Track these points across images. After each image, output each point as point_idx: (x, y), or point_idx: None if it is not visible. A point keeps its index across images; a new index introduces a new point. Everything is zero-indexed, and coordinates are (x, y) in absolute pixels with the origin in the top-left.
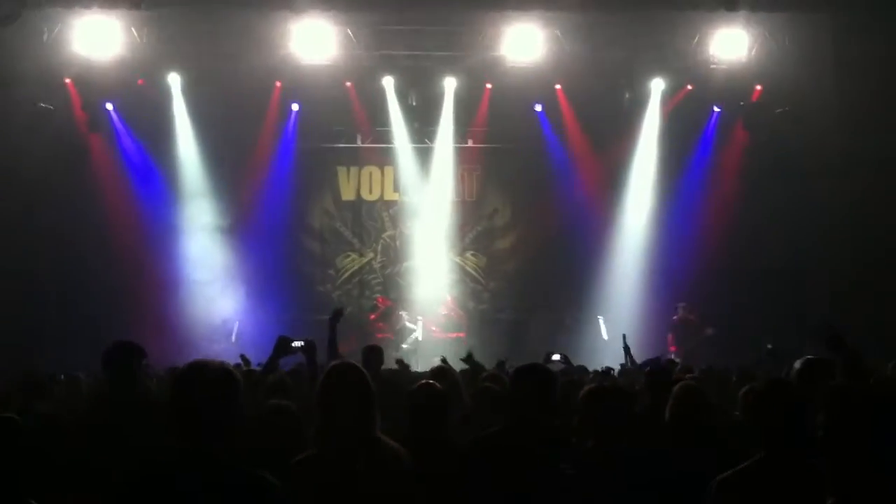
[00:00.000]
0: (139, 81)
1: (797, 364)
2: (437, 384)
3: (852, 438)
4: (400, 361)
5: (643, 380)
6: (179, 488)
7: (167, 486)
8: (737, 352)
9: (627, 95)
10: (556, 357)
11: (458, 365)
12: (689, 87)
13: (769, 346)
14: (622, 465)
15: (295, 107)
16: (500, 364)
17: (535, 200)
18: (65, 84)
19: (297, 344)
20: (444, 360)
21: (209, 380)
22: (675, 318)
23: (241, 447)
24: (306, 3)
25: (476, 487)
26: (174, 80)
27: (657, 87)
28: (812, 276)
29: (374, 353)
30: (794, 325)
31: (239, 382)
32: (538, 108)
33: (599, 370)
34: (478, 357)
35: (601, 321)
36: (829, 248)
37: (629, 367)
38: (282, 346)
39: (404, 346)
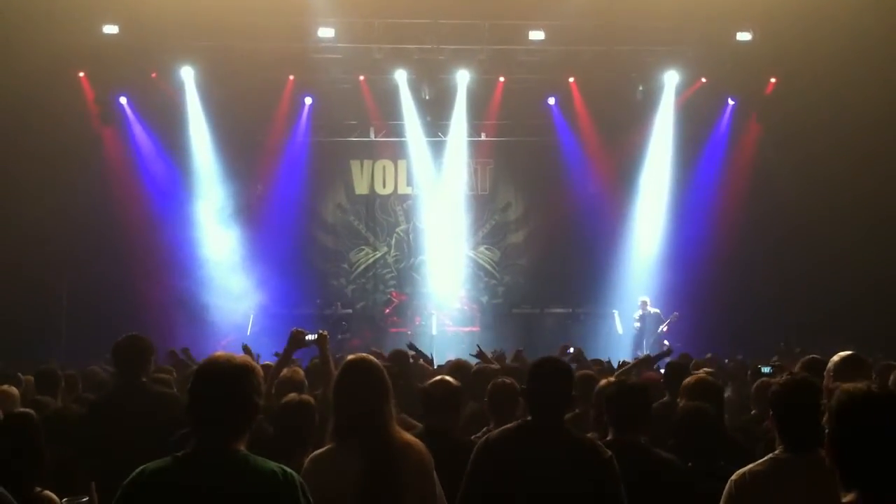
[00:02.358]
0: (152, 75)
1: (835, 358)
2: (452, 379)
3: (851, 437)
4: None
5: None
6: (196, 481)
7: (183, 479)
8: (750, 347)
9: (641, 88)
10: (571, 350)
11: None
12: (703, 79)
13: (781, 343)
14: (640, 459)
15: (308, 100)
16: (518, 353)
17: (549, 194)
18: (78, 77)
19: (310, 337)
20: (411, 346)
21: (228, 374)
22: (640, 313)
23: (261, 441)
24: None
25: (486, 483)
26: (187, 74)
27: (671, 79)
28: (827, 270)
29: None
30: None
31: (258, 376)
32: (551, 101)
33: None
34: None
35: (616, 315)
36: (845, 243)
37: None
38: (295, 339)
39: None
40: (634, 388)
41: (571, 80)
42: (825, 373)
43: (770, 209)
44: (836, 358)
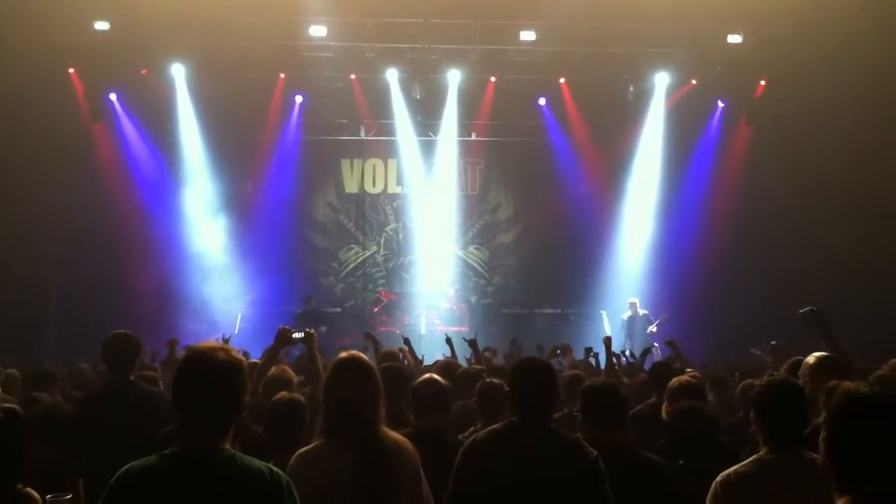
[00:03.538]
0: (143, 72)
1: (810, 359)
2: (441, 379)
3: (849, 438)
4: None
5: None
6: (182, 479)
7: (169, 478)
8: (740, 349)
9: (632, 89)
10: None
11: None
12: (694, 81)
13: (773, 343)
14: (621, 461)
15: (299, 99)
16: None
17: (539, 194)
18: (68, 73)
19: (297, 335)
20: (448, 340)
21: (212, 368)
22: (629, 314)
23: (250, 438)
24: None
25: (473, 482)
26: (178, 71)
27: (662, 81)
28: (817, 272)
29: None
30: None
31: (243, 370)
32: (542, 101)
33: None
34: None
35: (605, 316)
36: (837, 244)
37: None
38: (282, 337)
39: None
40: (602, 387)
41: (562, 80)
42: (800, 374)
43: (761, 210)
44: (810, 359)
